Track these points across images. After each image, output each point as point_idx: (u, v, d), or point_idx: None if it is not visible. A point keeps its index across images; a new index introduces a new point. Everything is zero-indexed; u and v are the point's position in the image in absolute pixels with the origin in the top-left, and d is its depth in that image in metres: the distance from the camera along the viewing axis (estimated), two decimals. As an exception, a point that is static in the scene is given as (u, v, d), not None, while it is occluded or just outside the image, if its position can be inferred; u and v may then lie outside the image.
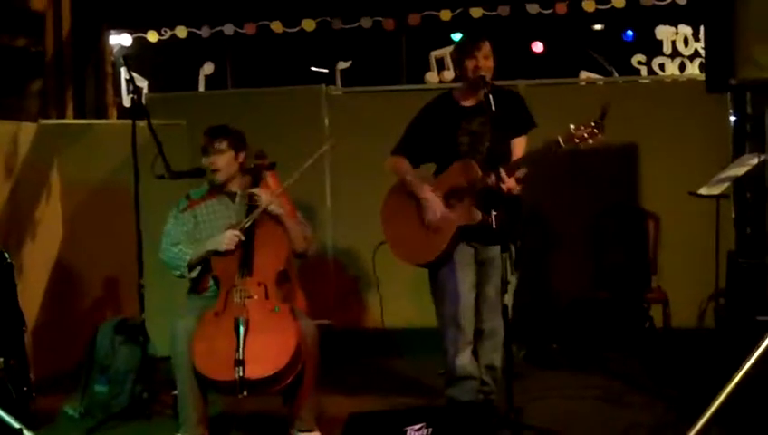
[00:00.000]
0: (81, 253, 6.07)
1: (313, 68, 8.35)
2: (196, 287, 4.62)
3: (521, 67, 6.94)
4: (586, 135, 4.12)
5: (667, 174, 6.24)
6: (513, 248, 4.35)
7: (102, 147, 6.14)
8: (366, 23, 7.74)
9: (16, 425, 3.65)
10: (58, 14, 7.11)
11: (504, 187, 4.21)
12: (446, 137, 4.53)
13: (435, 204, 4.49)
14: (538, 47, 8.28)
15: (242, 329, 4.08)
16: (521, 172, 4.40)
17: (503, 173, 4.22)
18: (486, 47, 4.44)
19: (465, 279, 4.52)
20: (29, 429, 3.75)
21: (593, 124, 4.11)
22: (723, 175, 5.12)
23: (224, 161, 4.57)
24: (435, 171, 4.66)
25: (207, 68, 8.00)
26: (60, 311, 5.93)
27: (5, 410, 3.76)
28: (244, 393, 4.01)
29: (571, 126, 4.15)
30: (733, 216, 5.46)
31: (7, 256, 4.82)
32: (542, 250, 6.33)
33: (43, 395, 5.01)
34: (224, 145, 4.56)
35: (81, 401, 4.94)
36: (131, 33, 7.75)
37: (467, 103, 4.55)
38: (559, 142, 4.16)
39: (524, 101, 4.66)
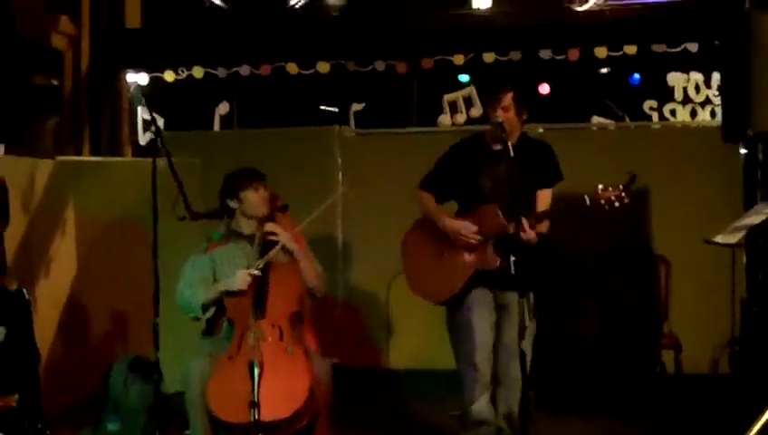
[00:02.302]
0: (93, 290, 6.09)
1: (323, 107, 8.41)
2: (210, 330, 4.64)
3: (530, 111, 6.98)
4: (613, 198, 4.18)
5: (678, 219, 6.27)
6: (531, 295, 4.38)
7: (118, 184, 6.18)
8: (379, 66, 7.82)
9: (35, 462, 3.67)
10: (77, 53, 7.21)
11: (523, 236, 4.24)
12: (470, 177, 4.59)
13: (467, 228, 4.51)
14: (544, 89, 8.33)
15: (256, 371, 4.06)
16: (544, 226, 4.45)
17: (525, 223, 4.26)
18: (507, 99, 4.49)
19: (483, 322, 4.54)
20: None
21: (621, 188, 4.18)
22: (739, 223, 5.12)
23: (267, 196, 4.65)
24: (457, 211, 4.70)
25: (223, 108, 8.08)
26: (71, 346, 5.94)
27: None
28: (259, 436, 4.02)
29: (599, 186, 4.21)
30: (744, 262, 5.46)
31: (26, 292, 4.85)
32: (554, 293, 6.32)
33: (53, 431, 5.00)
34: (264, 185, 4.65)
35: (93, 438, 4.96)
36: (149, 73, 7.83)
37: (495, 147, 4.59)
38: (585, 201, 4.24)
39: (554, 153, 4.69)
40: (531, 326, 4.26)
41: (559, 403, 5.75)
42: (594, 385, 5.86)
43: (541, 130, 6.26)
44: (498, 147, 4.53)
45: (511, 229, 4.27)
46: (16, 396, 4.53)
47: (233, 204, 4.69)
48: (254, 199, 4.65)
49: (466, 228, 4.50)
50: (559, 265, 6.02)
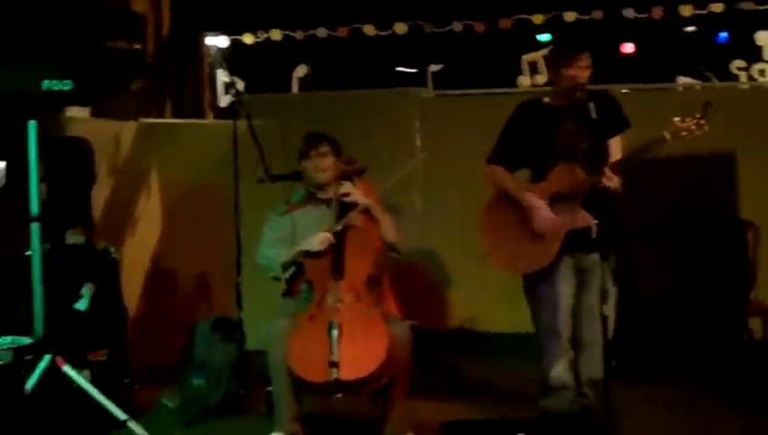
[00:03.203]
0: (178, 249, 6.23)
1: (399, 68, 8.36)
2: (289, 289, 4.72)
3: (611, 70, 6.83)
4: (693, 127, 4.08)
5: (766, 182, 6.09)
6: (613, 257, 4.35)
7: (199, 146, 6.28)
8: (457, 26, 7.75)
9: (122, 416, 3.78)
10: (158, 17, 7.30)
11: (611, 185, 4.20)
12: (542, 140, 4.53)
13: (543, 210, 4.46)
14: (628, 48, 8.14)
15: (335, 332, 4.13)
16: (617, 180, 4.37)
17: (609, 172, 4.21)
18: (586, 59, 4.43)
19: (564, 288, 4.49)
20: (131, 419, 3.89)
21: (698, 117, 4.08)
22: None
23: (327, 163, 4.68)
24: (531, 178, 4.66)
25: (300, 70, 8.09)
26: (157, 304, 6.10)
27: (109, 401, 3.91)
28: (339, 395, 4.07)
29: (676, 119, 4.12)
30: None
31: (112, 251, 4.98)
32: (635, 258, 6.23)
33: (141, 386, 5.14)
34: (326, 148, 4.68)
35: (178, 394, 5.07)
36: (228, 36, 7.90)
37: (559, 105, 4.55)
38: (665, 137, 4.13)
39: (618, 101, 4.62)
40: (613, 290, 4.24)
41: (640, 369, 5.68)
42: (676, 351, 5.78)
43: (625, 91, 6.13)
44: (560, 104, 4.51)
45: (596, 181, 4.24)
46: (105, 352, 4.69)
47: (303, 171, 4.76)
48: (309, 168, 4.71)
49: (544, 214, 4.43)
50: (636, 227, 5.94)
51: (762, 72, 7.26)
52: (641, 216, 6.03)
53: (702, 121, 4.08)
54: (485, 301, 6.45)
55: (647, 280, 6.27)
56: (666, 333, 5.93)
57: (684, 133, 4.10)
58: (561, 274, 4.49)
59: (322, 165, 4.68)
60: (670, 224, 6.19)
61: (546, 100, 4.62)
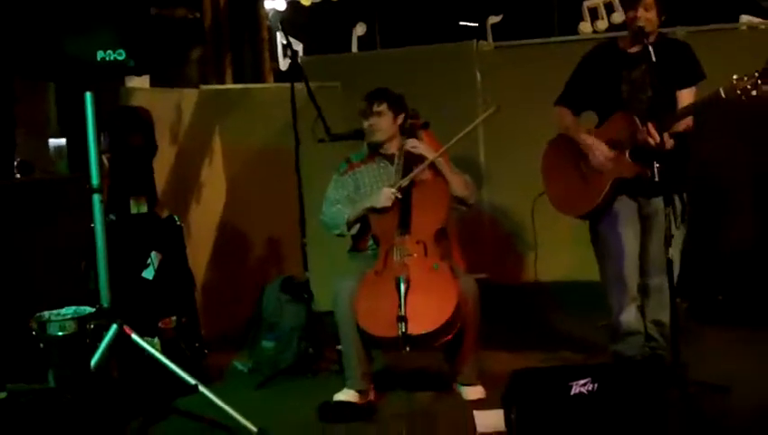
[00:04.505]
0: (244, 214, 6.27)
1: (462, 22, 8.24)
2: (356, 246, 4.74)
3: (679, 13, 6.62)
4: (749, 86, 3.96)
5: None
6: (678, 201, 4.29)
7: (261, 111, 6.29)
8: (516, -26, 7.60)
9: (192, 381, 3.84)
10: (216, -17, 7.32)
11: (650, 142, 4.13)
12: (608, 85, 4.48)
13: (598, 148, 4.44)
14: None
15: (403, 287, 4.14)
16: (683, 125, 4.29)
17: (650, 128, 4.14)
18: (649, 1, 4.32)
19: (628, 233, 4.46)
20: (203, 384, 3.95)
21: (757, 75, 3.95)
22: None
23: (384, 123, 4.66)
24: (597, 123, 4.60)
25: (360, 29, 8.01)
26: (225, 270, 6.16)
27: (180, 367, 3.97)
28: (407, 349, 4.08)
29: (734, 77, 4.01)
30: None
31: (177, 218, 5.03)
32: (710, 200, 6.09)
33: (213, 352, 5.20)
34: (383, 107, 4.66)
35: (249, 358, 5.13)
36: (285, -2, 7.87)
37: (631, 51, 4.47)
38: (720, 94, 4.04)
39: (693, 51, 4.51)
40: (679, 233, 4.20)
41: (713, 313, 5.59)
42: (751, 294, 5.65)
43: (690, 31, 5.95)
44: (635, 49, 4.41)
45: (641, 136, 4.18)
46: (174, 319, 4.76)
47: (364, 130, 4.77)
48: (366, 128, 4.72)
49: (600, 151, 4.42)
50: (706, 172, 5.79)
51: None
52: (719, 158, 5.90)
53: (760, 81, 3.96)
54: (555, 251, 6.38)
55: (723, 223, 6.14)
56: (743, 279, 5.80)
57: (739, 91, 4.00)
58: (624, 220, 4.46)
59: (378, 125, 4.68)
60: (749, 167, 6.01)
61: (621, 44, 4.56)
